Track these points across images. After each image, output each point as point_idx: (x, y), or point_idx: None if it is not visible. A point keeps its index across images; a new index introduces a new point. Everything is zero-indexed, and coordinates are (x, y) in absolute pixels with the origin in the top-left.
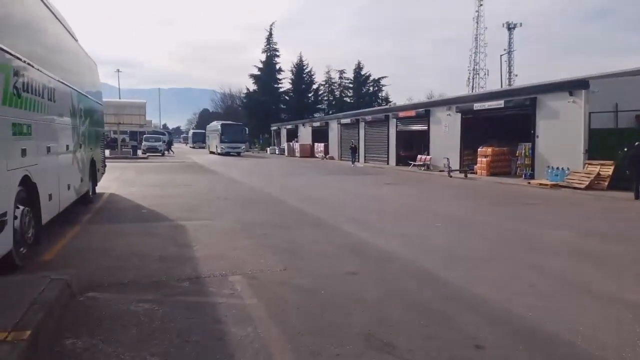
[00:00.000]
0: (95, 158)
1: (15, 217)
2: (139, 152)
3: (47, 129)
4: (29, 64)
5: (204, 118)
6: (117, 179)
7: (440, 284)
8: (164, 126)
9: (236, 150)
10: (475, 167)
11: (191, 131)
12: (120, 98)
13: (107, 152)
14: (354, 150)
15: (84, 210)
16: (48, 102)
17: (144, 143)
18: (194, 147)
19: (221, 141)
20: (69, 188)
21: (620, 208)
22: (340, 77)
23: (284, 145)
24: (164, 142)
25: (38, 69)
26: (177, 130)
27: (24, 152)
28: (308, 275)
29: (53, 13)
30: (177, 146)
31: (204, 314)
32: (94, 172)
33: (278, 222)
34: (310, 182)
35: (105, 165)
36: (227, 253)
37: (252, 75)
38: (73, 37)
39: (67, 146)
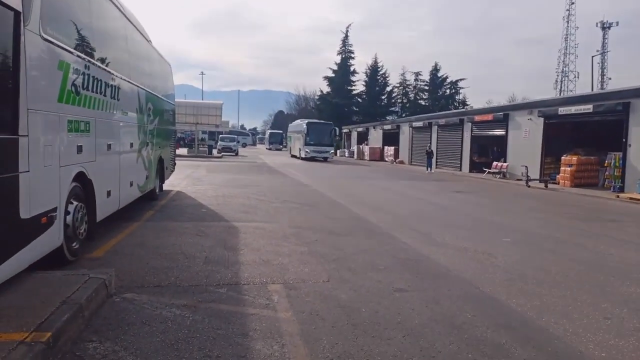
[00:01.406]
0: (164, 156)
1: (67, 213)
2: (214, 151)
3: (109, 127)
4: (90, 62)
5: (279, 119)
6: (188, 177)
7: (500, 310)
8: (242, 127)
9: (323, 154)
10: (557, 176)
11: (268, 131)
12: (202, 99)
13: (184, 151)
14: (430, 155)
15: (147, 207)
16: (111, 100)
17: (219, 143)
18: (270, 149)
19: (306, 143)
20: (131, 185)
21: None
22: (416, 79)
23: (354, 148)
24: (238, 142)
25: (102, 68)
26: (254, 131)
27: (79, 149)
28: (351, 289)
29: (122, 12)
30: (247, 150)
31: (233, 325)
32: (162, 170)
33: (332, 228)
34: (375, 187)
35: (174, 164)
36: (272, 259)
37: (326, 77)
38: (145, 37)
39: (132, 144)
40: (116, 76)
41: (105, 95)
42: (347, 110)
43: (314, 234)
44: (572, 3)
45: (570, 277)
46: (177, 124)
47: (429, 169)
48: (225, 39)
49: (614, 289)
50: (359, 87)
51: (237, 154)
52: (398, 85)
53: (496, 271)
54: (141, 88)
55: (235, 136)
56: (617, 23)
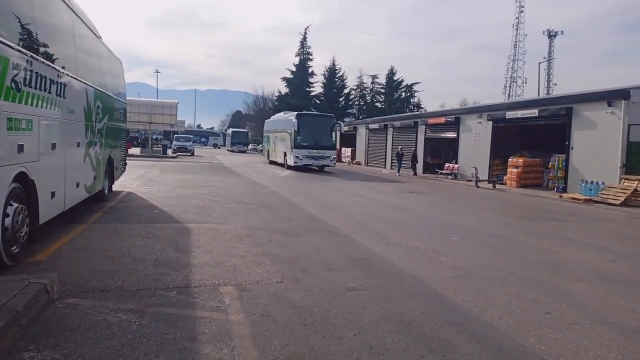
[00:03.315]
0: (114, 156)
1: (6, 215)
2: (169, 151)
3: (54, 125)
4: (34, 57)
5: (236, 120)
6: (140, 178)
7: (447, 306)
8: (198, 126)
9: (322, 161)
10: (504, 177)
11: (230, 130)
12: (157, 98)
13: (137, 151)
14: (400, 157)
15: (95, 209)
16: (56, 97)
17: (174, 142)
18: (232, 151)
19: (296, 145)
20: (77, 186)
21: None
22: (373, 82)
23: None
24: (194, 142)
25: (46, 64)
26: (211, 130)
27: (20, 148)
28: (304, 290)
29: (69, 6)
30: (205, 150)
31: (182, 329)
32: (111, 170)
33: (287, 228)
34: (330, 187)
35: (125, 164)
36: (225, 260)
37: (284, 78)
38: (94, 33)
39: (78, 143)
40: (62, 73)
41: (50, 93)
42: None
43: (268, 235)
44: (521, 12)
45: (515, 274)
46: (129, 123)
47: (399, 171)
48: (182, 37)
49: (555, 285)
50: (317, 88)
51: (193, 154)
52: (355, 87)
53: (445, 269)
54: (89, 85)
55: (191, 136)
56: (562, 32)
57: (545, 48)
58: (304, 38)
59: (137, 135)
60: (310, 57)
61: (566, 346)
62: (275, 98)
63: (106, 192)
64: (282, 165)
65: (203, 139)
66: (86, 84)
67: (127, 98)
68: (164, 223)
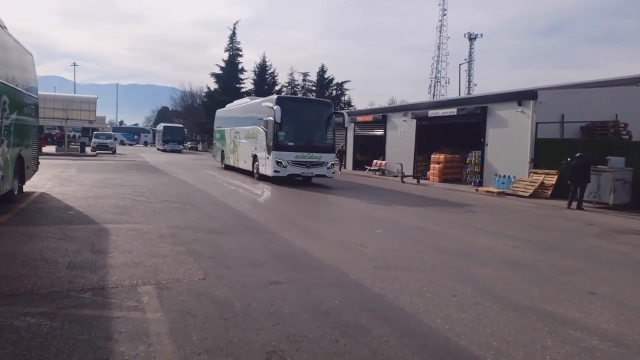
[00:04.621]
0: (24, 155)
1: None
2: (88, 149)
3: None
4: None
5: (162, 116)
6: (55, 177)
7: (364, 294)
8: (121, 123)
9: (315, 169)
10: (428, 173)
11: (161, 125)
12: (75, 92)
13: (53, 149)
14: (342, 154)
15: (3, 211)
16: None
17: (93, 140)
18: (164, 150)
19: (277, 145)
20: None
21: (559, 217)
22: (304, 80)
23: None
24: (115, 139)
25: None
26: (136, 127)
27: None
28: (227, 285)
29: None
30: (132, 149)
31: (96, 329)
32: (22, 170)
33: (213, 226)
34: (231, 174)
35: (38, 163)
36: (145, 260)
37: (213, 74)
38: None
39: None
40: None
41: None
42: None
43: (192, 234)
44: (444, 15)
45: (428, 261)
46: (43, 120)
47: (341, 169)
48: (101, 28)
49: (463, 270)
50: (248, 85)
51: (114, 152)
52: (287, 84)
53: (365, 260)
54: None
55: (112, 133)
56: (482, 35)
57: (466, 50)
58: (233, 33)
59: (52, 133)
60: (240, 53)
61: (468, 324)
62: (204, 94)
63: (16, 192)
64: (248, 173)
65: (135, 136)
66: None
67: (41, 93)
68: (80, 224)
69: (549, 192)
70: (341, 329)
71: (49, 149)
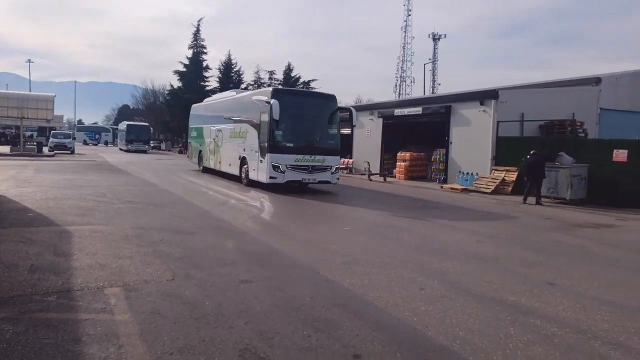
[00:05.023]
0: None
1: None
2: (45, 149)
3: None
4: None
5: (123, 115)
6: (12, 178)
7: (335, 290)
8: (79, 122)
9: (318, 175)
10: (394, 170)
11: (125, 123)
12: (30, 90)
13: (7, 149)
14: None
15: None
16: None
17: (51, 140)
18: (127, 150)
19: (272, 146)
20: None
21: (519, 212)
22: (270, 78)
23: None
24: (74, 138)
25: None
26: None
27: None
28: (196, 285)
29: None
30: (92, 149)
31: (64, 332)
32: None
33: (180, 226)
34: (224, 184)
35: None
36: (111, 262)
37: (176, 72)
38: None
39: None
40: None
41: None
42: None
43: (159, 234)
44: (409, 15)
45: (397, 257)
46: None
47: None
48: (58, 24)
49: (431, 265)
50: (213, 83)
51: (73, 152)
52: (253, 83)
53: (335, 257)
54: None
55: (70, 132)
56: (445, 35)
57: (430, 50)
58: (197, 30)
59: (6, 132)
60: (205, 50)
61: (435, 316)
62: (167, 92)
63: None
64: (234, 178)
65: (97, 136)
66: None
67: None
68: (41, 226)
69: (510, 188)
70: (313, 324)
71: (3, 149)
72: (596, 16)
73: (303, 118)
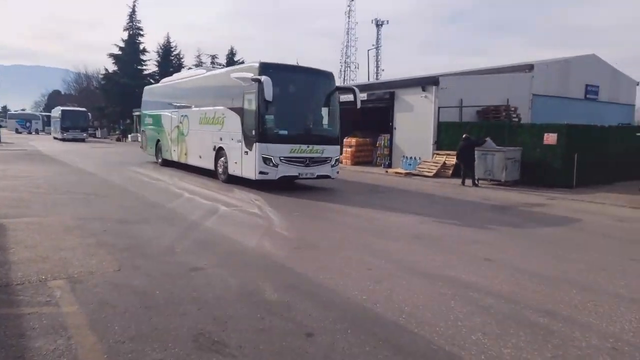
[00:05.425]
0: None
1: None
2: None
3: None
4: None
5: (54, 101)
6: None
7: (287, 274)
8: (4, 108)
9: (317, 168)
10: (341, 156)
11: (59, 109)
12: None
13: None
14: None
15: None
16: None
17: None
18: (62, 139)
19: (261, 134)
20: None
21: (459, 194)
22: (212, 62)
23: None
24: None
25: None
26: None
27: None
28: (145, 275)
29: None
30: (20, 137)
31: (6, 327)
32: None
33: (125, 216)
34: (197, 180)
35: None
36: (52, 255)
37: (111, 55)
38: None
39: None
40: None
41: None
42: (139, 91)
43: (102, 225)
44: (352, 0)
45: (346, 240)
46: None
47: None
48: None
49: (378, 246)
50: (151, 67)
51: None
52: (194, 67)
53: (287, 242)
54: None
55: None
56: (388, 21)
57: (374, 36)
58: (133, 11)
59: None
60: (141, 32)
61: (382, 294)
62: (101, 76)
63: None
64: (207, 173)
65: (28, 124)
66: None
67: None
68: None
69: (450, 171)
70: (266, 307)
71: None
72: (531, 4)
73: (298, 100)
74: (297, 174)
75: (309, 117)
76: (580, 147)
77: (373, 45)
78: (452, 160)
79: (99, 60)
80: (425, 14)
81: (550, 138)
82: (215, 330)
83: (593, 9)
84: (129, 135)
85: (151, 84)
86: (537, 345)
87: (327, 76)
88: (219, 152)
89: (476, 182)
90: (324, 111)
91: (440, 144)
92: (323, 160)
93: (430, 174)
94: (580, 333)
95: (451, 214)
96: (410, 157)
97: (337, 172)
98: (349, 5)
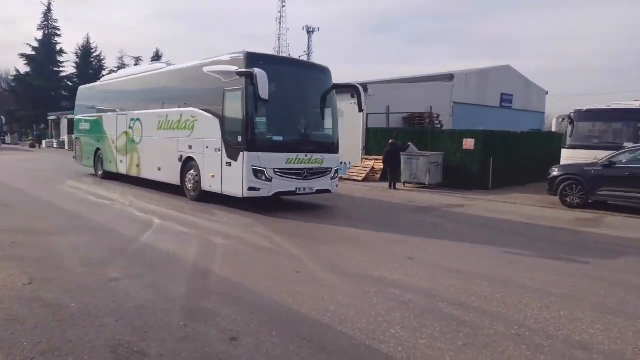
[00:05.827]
0: None
1: None
2: None
3: None
4: None
5: None
6: None
7: (212, 280)
8: None
9: (316, 181)
10: None
11: None
12: None
13: None
14: None
15: None
16: None
17: None
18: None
19: (250, 141)
20: None
21: (386, 197)
22: (136, 64)
23: (64, 137)
24: None
25: None
26: None
27: None
28: (59, 288)
29: None
30: None
31: None
32: None
33: (36, 227)
34: (125, 189)
35: None
36: None
37: (23, 55)
38: None
39: None
40: None
41: None
42: (55, 94)
43: (10, 237)
44: (283, 6)
45: (274, 244)
46: None
47: None
48: None
49: (307, 249)
50: (69, 69)
51: None
52: (116, 69)
53: (213, 250)
54: None
55: None
56: (319, 29)
57: (305, 42)
58: (49, 10)
59: None
60: (58, 32)
61: (309, 295)
62: (12, 78)
63: None
64: (167, 187)
65: None
66: None
67: None
68: None
69: (378, 175)
70: (189, 314)
71: None
72: (452, 17)
73: (293, 99)
74: (294, 189)
75: (306, 120)
76: (495, 152)
77: (304, 51)
78: (380, 165)
79: (9, 60)
80: (355, 21)
81: (468, 143)
82: (135, 340)
83: (512, 19)
84: (44, 141)
85: (69, 86)
86: (450, 335)
87: (324, 72)
88: (187, 164)
89: (397, 185)
90: (322, 113)
91: (369, 149)
92: (322, 172)
93: (360, 178)
94: (489, 322)
95: (379, 216)
96: (341, 162)
97: (337, 186)
98: (279, 12)
